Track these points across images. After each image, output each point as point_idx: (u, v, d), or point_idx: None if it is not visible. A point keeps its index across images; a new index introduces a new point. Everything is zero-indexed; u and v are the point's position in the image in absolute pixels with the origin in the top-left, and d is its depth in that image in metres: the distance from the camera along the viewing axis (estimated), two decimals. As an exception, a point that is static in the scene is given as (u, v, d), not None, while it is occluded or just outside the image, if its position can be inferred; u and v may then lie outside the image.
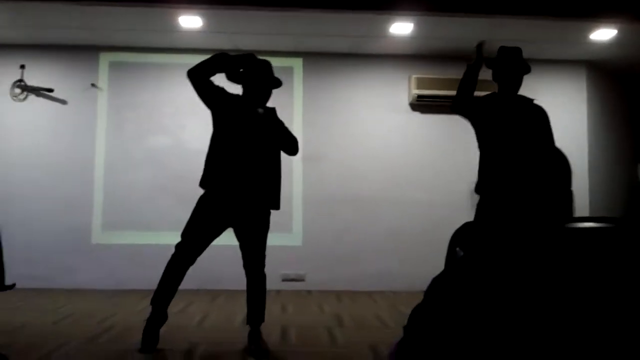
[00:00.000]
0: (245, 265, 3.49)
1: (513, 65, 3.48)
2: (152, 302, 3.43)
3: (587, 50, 5.96)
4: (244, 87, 3.53)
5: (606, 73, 6.59)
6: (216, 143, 3.47)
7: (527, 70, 3.52)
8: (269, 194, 3.47)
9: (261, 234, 3.48)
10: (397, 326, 4.11)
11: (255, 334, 3.45)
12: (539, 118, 3.48)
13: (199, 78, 3.35)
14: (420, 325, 1.30)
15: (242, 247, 3.48)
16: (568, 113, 6.32)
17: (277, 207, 3.54)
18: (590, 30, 5.40)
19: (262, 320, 3.51)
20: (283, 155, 3.56)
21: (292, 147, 3.59)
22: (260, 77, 3.48)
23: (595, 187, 6.28)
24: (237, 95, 3.53)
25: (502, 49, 3.55)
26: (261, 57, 3.53)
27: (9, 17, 5.26)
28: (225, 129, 3.45)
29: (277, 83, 3.55)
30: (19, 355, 3.20)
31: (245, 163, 3.39)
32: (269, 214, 3.52)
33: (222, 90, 3.46)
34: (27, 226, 5.82)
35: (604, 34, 5.47)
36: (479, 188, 3.40)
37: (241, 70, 3.46)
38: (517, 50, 3.53)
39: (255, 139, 3.43)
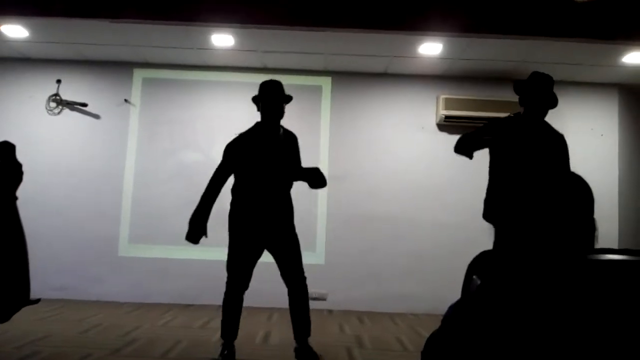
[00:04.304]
0: (286, 282, 3.56)
1: (542, 94, 3.39)
2: (222, 336, 3.52)
3: (619, 73, 5.87)
4: (259, 110, 3.62)
5: (639, 97, 6.47)
6: (236, 187, 3.59)
7: (554, 104, 3.44)
8: (287, 216, 3.58)
9: (293, 248, 3.54)
10: (416, 350, 4.06)
11: (303, 349, 3.47)
12: (557, 145, 3.42)
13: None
14: (436, 353, 1.29)
15: (279, 264, 3.55)
16: (599, 137, 6.22)
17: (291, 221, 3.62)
18: (622, 53, 5.32)
19: (309, 334, 3.52)
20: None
21: (317, 181, 3.62)
22: (267, 96, 3.56)
23: (626, 215, 6.14)
24: (250, 130, 3.63)
25: (535, 74, 3.46)
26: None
27: (47, 33, 5.43)
28: (241, 172, 3.57)
29: (286, 98, 3.62)
30: (43, 364, 3.26)
31: (263, 191, 3.50)
32: (292, 228, 3.59)
33: (234, 153, 3.57)
34: (56, 237, 5.94)
35: (636, 57, 5.38)
36: (488, 215, 3.33)
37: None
38: (549, 79, 3.42)
39: (269, 166, 3.52)
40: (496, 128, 3.48)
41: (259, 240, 3.51)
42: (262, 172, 3.50)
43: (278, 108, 3.58)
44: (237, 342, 4.10)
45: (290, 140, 3.69)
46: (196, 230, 3.41)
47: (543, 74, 3.46)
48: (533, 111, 3.41)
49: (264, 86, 3.62)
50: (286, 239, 3.55)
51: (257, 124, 3.64)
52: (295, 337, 3.53)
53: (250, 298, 5.78)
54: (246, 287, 3.53)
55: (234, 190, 3.59)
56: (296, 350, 3.51)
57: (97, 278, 5.95)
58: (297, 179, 3.66)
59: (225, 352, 3.47)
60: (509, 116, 3.54)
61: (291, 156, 3.65)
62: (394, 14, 4.89)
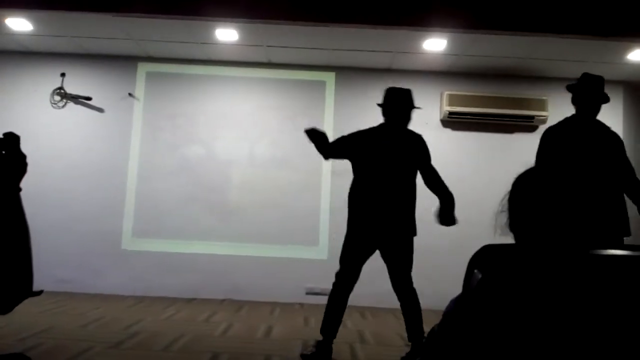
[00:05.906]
0: (394, 285, 3.61)
1: (593, 93, 3.47)
2: (322, 331, 3.55)
3: (624, 70, 5.85)
4: (384, 114, 3.67)
5: (644, 94, 6.45)
6: (355, 183, 3.62)
7: (606, 100, 3.51)
8: (405, 221, 3.59)
9: (404, 256, 3.57)
10: (419, 345, 4.07)
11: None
12: (612, 142, 3.46)
13: (326, 157, 3.75)
14: (436, 347, 1.29)
15: (388, 268, 3.59)
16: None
17: (414, 234, 3.65)
18: (627, 50, 5.30)
19: (423, 335, 3.53)
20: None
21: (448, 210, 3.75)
22: (393, 105, 3.61)
23: (631, 212, 6.10)
24: (374, 128, 3.67)
25: (585, 75, 3.55)
26: (397, 87, 3.73)
27: (51, 26, 5.44)
28: (361, 168, 3.61)
29: (410, 106, 3.64)
30: (44, 357, 3.27)
31: (380, 196, 3.50)
32: (409, 233, 3.63)
33: (351, 140, 3.63)
34: (60, 230, 5.96)
35: (642, 54, 5.37)
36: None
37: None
38: (600, 79, 3.53)
39: (386, 169, 3.53)
40: (552, 137, 3.50)
41: (371, 239, 3.53)
42: (382, 169, 3.51)
43: (407, 114, 3.61)
44: (241, 334, 4.11)
45: (416, 142, 3.67)
46: (318, 136, 3.49)
47: (594, 75, 3.56)
48: (585, 111, 3.48)
49: (394, 93, 3.64)
50: (398, 245, 3.55)
51: (381, 124, 3.67)
52: (410, 339, 3.57)
53: (253, 292, 5.84)
54: (355, 281, 3.58)
55: (353, 186, 3.61)
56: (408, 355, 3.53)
57: (100, 271, 5.97)
58: (433, 190, 3.76)
59: (317, 352, 3.47)
60: (560, 122, 3.58)
61: (416, 158, 3.65)
62: (398, 10, 4.88)
